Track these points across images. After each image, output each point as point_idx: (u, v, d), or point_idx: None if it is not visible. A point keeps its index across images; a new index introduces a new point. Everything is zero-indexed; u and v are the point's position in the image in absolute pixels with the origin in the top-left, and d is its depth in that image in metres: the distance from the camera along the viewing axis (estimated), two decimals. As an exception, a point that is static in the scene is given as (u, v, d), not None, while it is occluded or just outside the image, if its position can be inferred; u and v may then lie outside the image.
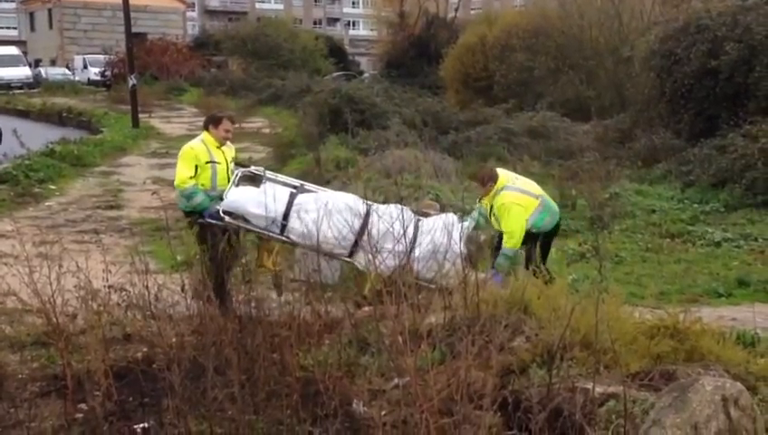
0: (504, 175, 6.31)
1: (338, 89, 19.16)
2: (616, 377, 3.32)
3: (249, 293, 5.03)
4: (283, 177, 6.98)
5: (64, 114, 25.92)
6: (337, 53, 48.14)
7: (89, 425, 3.56)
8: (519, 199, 6.08)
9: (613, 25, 24.25)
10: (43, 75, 41.31)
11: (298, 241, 6.06)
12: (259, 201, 6.05)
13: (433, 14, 43.49)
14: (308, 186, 6.77)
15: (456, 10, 46.57)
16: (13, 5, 71.68)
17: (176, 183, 6.43)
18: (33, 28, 56.32)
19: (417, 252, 5.71)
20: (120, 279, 6.77)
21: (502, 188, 6.13)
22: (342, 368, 4.19)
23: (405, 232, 5.31)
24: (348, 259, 6.08)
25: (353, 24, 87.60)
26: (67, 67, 44.52)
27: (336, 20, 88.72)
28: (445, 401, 3.55)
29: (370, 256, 4.86)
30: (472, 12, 58.25)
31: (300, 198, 6.26)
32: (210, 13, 78.29)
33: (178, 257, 7.58)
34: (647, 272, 8.15)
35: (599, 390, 3.21)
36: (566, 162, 14.47)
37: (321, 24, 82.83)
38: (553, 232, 6.43)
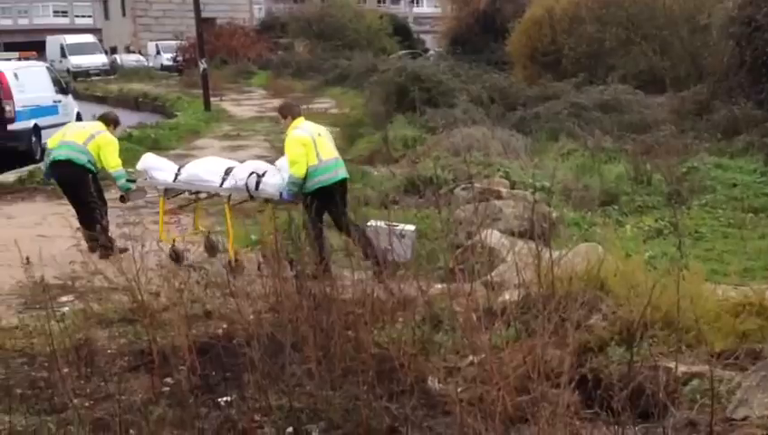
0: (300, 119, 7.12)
1: (404, 67, 19.08)
2: (700, 356, 3.24)
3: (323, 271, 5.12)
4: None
5: (140, 99, 26.72)
6: (401, 31, 47.90)
7: (175, 398, 3.70)
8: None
9: (688, -8, 23.30)
10: (119, 62, 42.61)
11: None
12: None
13: (498, -13, 42.66)
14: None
15: (523, -17, 45.56)
16: (88, -6, 74.02)
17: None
18: (107, 16, 58.00)
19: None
20: (198, 258, 7.00)
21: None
22: (416, 345, 4.22)
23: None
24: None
25: (417, 2, 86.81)
26: (140, 53, 45.76)
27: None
28: (521, 379, 3.54)
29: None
30: (539, -16, 56.81)
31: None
32: (276, -5, 78.95)
33: (253, 237, 7.79)
34: (729, 248, 7.86)
35: (682, 369, 3.14)
36: (640, 136, 14.02)
37: (384, 2, 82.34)
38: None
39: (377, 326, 4.41)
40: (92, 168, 7.65)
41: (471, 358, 4.11)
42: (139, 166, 7.55)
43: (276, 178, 6.89)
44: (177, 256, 6.90)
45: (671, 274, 4.04)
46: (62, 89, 16.23)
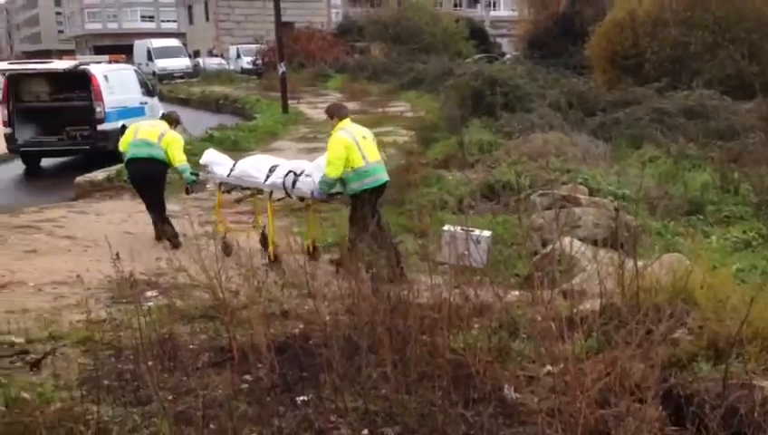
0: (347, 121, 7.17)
1: (480, 71, 18.94)
2: (796, 375, 3.08)
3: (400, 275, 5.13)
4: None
5: (220, 102, 27.41)
6: (478, 34, 47.61)
7: (254, 395, 3.77)
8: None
9: (781, -6, 22.34)
10: (201, 65, 43.82)
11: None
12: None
13: (579, -10, 41.89)
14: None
15: (603, -15, 44.59)
16: (173, 0, 76.60)
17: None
18: (191, 21, 59.86)
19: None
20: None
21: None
22: (493, 352, 4.17)
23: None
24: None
25: (494, 5, 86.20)
26: (222, 57, 46.99)
27: (476, 1, 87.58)
28: (602, 392, 3.45)
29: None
30: (620, -14, 55.47)
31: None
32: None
33: (329, 239, 7.88)
34: (822, 262, 7.48)
35: (776, 388, 3.00)
36: (727, 144, 13.51)
37: (461, 5, 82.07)
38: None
39: (452, 332, 4.38)
40: (167, 163, 8.18)
41: (549, 368, 4.03)
42: (202, 160, 8.02)
43: (311, 178, 7.08)
44: (227, 248, 7.20)
45: (763, 288, 3.85)
46: (148, 91, 16.81)
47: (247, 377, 4.00)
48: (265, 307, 4.63)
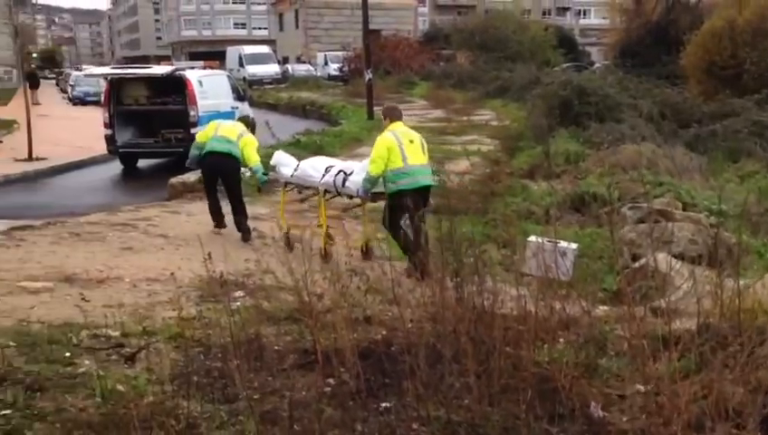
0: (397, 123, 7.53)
1: (568, 80, 18.62)
2: None
3: (482, 284, 5.07)
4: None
5: (307, 107, 27.92)
6: (566, 43, 46.85)
7: (337, 399, 3.80)
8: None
9: None
10: (290, 71, 44.81)
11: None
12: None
13: (674, -2, 40.59)
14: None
15: (701, -8, 43.04)
16: (264, 8, 78.78)
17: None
18: (281, 28, 61.33)
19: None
20: (360, 263, 7.17)
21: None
22: (579, 368, 4.05)
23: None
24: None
25: (584, 14, 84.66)
26: (310, 63, 47.90)
27: (566, 9, 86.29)
28: (696, 415, 3.30)
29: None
30: (719, -6, 53.42)
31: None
32: (440, 7, 79.85)
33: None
34: None
35: None
36: (834, 160, 12.81)
37: (550, 14, 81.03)
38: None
39: (537, 345, 4.29)
40: (241, 161, 8.76)
41: (640, 387, 3.90)
42: (272, 161, 8.59)
43: (359, 177, 7.48)
44: (289, 244, 7.68)
45: None
46: (239, 96, 17.29)
47: (331, 380, 4.03)
48: (349, 312, 4.66)
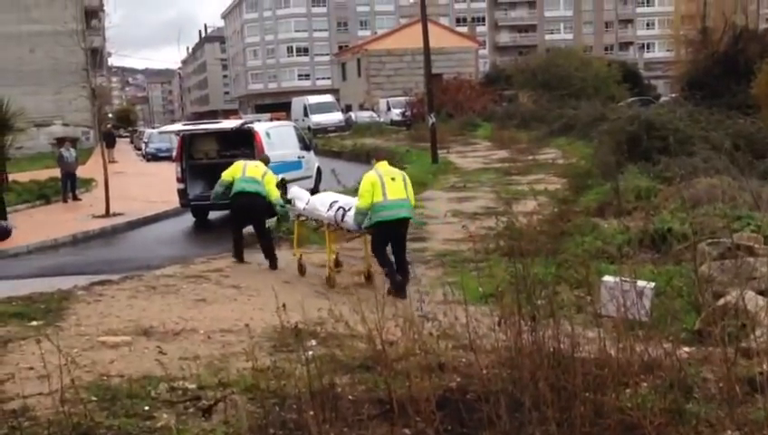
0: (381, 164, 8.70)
1: (636, 115, 18.27)
2: None
3: (558, 327, 4.93)
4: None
5: (371, 153, 28.16)
6: (631, 77, 46.22)
7: (414, 450, 3.73)
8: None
9: None
10: (353, 118, 45.56)
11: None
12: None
13: (741, 27, 39.68)
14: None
15: (769, 20, 42.00)
16: (327, 58, 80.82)
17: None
18: (344, 77, 62.65)
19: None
20: (432, 309, 7.12)
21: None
22: (665, 413, 3.88)
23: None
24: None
25: (648, 47, 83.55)
26: (372, 110, 48.61)
27: (628, 44, 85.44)
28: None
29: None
30: (788, 20, 51.99)
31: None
32: (500, 49, 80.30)
33: (480, 289, 7.76)
34: None
35: None
36: None
37: (612, 49, 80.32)
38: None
39: (619, 389, 4.13)
40: (266, 198, 9.79)
41: (731, 433, 3.70)
42: (289, 195, 9.88)
43: (354, 212, 8.49)
44: (301, 270, 9.23)
45: None
46: (305, 145, 17.63)
47: (407, 431, 3.96)
48: (423, 359, 4.60)
